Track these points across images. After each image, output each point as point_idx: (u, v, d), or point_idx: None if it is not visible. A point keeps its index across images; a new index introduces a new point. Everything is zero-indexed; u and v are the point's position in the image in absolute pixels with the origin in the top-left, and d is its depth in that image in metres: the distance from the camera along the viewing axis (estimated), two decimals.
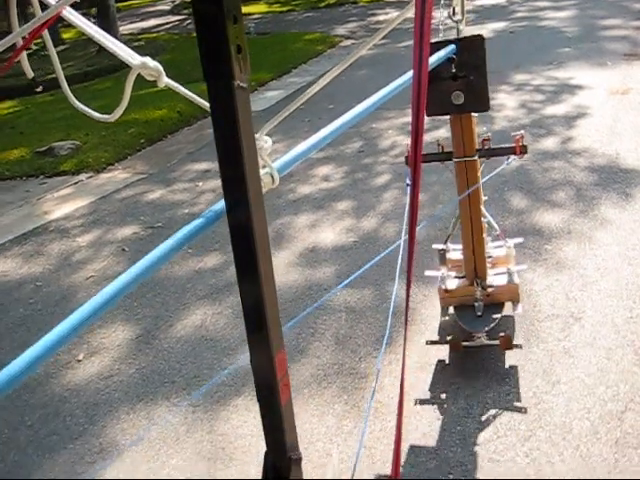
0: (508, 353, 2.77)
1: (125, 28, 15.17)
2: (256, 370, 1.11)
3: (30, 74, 1.30)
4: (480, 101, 2.48)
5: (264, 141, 1.14)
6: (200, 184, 5.30)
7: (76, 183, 5.84)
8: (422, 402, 2.57)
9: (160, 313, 3.47)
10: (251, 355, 1.09)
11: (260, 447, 2.38)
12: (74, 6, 1.03)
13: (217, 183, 4.93)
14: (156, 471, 2.42)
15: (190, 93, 1.23)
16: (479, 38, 2.41)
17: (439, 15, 2.51)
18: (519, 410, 2.45)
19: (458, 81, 2.44)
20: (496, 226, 2.89)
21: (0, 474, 2.52)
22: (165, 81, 1.13)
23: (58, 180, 5.97)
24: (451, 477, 2.20)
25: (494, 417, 2.44)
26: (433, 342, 2.87)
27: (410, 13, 1.00)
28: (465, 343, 2.68)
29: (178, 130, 6.92)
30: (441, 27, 2.51)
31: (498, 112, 5.81)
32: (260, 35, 12.15)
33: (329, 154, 5.37)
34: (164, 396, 2.82)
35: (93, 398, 2.88)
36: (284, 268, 3.72)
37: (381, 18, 12.40)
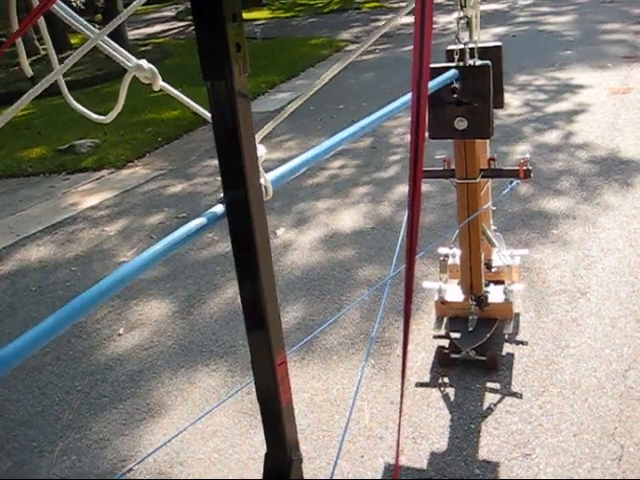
0: (521, 324, 3.01)
1: (131, 34, 15.41)
2: (257, 371, 1.13)
3: (29, 73, 1.29)
4: (483, 128, 2.45)
5: (257, 150, 1.09)
6: (220, 178, 5.53)
7: (98, 179, 6.09)
8: (443, 367, 2.80)
9: (192, 292, 3.71)
10: (252, 357, 1.12)
11: (299, 401, 2.62)
12: (78, 12, 0.97)
13: None
14: (202, 429, 2.65)
15: (186, 98, 1.21)
16: (486, 66, 2.37)
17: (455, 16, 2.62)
18: (532, 369, 2.69)
19: (462, 107, 2.41)
20: (497, 243, 2.89)
21: (57, 432, 2.75)
22: (160, 84, 1.11)
23: (80, 176, 6.22)
24: (472, 426, 2.44)
25: (509, 377, 2.68)
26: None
27: (406, 18, 0.96)
28: (454, 355, 2.77)
29: (193, 129, 7.15)
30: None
31: (502, 110, 6.03)
32: (266, 40, 12.44)
33: (343, 149, 5.60)
34: (203, 363, 3.06)
35: (137, 366, 3.11)
36: (308, 252, 3.96)
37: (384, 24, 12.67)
